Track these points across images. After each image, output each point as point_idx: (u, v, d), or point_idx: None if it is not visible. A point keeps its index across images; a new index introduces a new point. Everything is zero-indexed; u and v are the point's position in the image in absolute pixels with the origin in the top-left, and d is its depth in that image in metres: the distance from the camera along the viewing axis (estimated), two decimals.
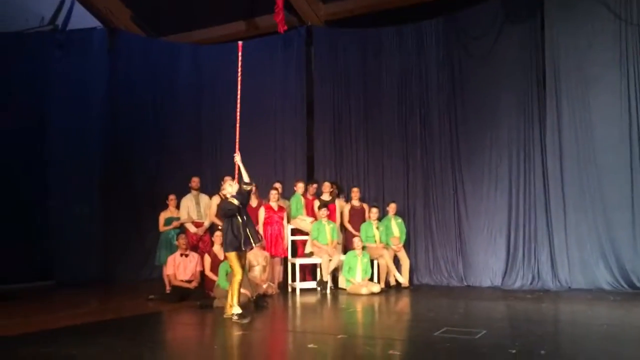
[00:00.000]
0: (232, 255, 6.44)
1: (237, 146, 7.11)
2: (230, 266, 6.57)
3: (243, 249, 6.47)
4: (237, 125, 7.34)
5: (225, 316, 6.31)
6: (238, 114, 7.40)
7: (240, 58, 7.50)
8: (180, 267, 8.27)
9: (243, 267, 6.59)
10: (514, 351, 4.65)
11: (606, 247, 8.43)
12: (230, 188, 6.65)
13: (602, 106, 8.61)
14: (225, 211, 6.48)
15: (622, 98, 8.47)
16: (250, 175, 6.76)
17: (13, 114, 10.03)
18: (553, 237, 8.77)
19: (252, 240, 6.47)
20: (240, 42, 7.71)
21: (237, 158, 6.81)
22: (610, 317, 6.52)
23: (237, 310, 6.26)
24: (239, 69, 7.46)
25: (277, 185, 9.66)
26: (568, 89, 8.83)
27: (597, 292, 8.20)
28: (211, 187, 9.86)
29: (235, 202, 6.49)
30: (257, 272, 8.33)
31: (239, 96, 7.47)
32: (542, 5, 9.03)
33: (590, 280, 8.48)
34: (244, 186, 6.68)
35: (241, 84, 11.17)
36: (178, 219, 9.11)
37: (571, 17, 8.85)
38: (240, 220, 6.44)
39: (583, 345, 5.15)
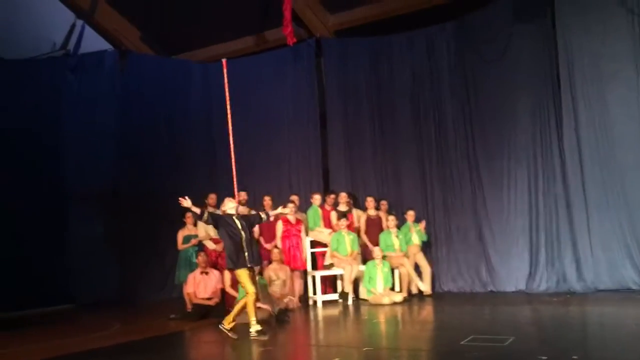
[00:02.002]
0: (242, 273, 6.32)
1: (233, 166, 7.17)
2: (241, 284, 6.44)
3: (248, 265, 6.34)
4: (231, 145, 7.47)
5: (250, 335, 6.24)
6: (231, 134, 7.52)
7: (225, 76, 7.57)
8: (201, 285, 8.23)
9: (255, 284, 6.42)
10: (545, 357, 4.54)
11: (632, 245, 8.25)
12: (230, 204, 6.64)
13: (619, 102, 8.47)
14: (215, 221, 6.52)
15: (639, 93, 8.33)
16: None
17: (29, 139, 10.13)
18: (576, 238, 8.61)
19: (253, 259, 6.40)
20: (224, 60, 7.73)
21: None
22: (639, 317, 6.36)
23: (256, 327, 6.17)
24: (226, 88, 7.55)
25: (294, 197, 9.62)
26: (583, 87, 8.71)
27: (625, 293, 8.04)
28: None
29: (232, 212, 6.55)
30: (277, 286, 8.28)
31: (229, 115, 7.58)
32: (552, 3, 8.94)
33: (616, 280, 8.30)
34: (263, 215, 6.87)
35: (253, 98, 11.30)
36: (196, 236, 9.06)
37: (582, 13, 8.74)
38: (243, 236, 6.37)
39: (614, 348, 5.03)
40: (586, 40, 8.69)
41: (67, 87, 10.74)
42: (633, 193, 8.29)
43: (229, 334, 6.20)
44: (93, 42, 11.24)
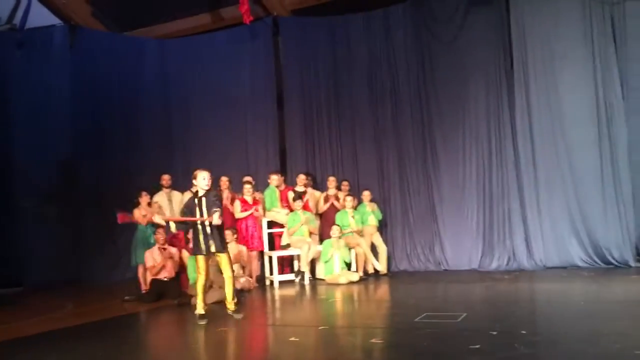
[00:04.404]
0: (199, 258, 6.08)
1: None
2: (197, 266, 6.19)
3: (204, 253, 6.05)
4: None
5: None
6: None
7: None
8: (159, 261, 8.09)
9: (208, 270, 6.14)
10: (495, 332, 4.67)
11: (578, 224, 8.54)
12: (203, 182, 6.11)
13: (570, 83, 8.69)
14: (184, 210, 6.12)
15: (588, 74, 8.56)
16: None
17: None
18: (527, 217, 8.85)
19: (214, 247, 6.04)
20: None
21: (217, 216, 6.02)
22: (586, 294, 6.61)
23: (199, 311, 6.02)
24: None
25: (248, 178, 9.55)
26: (535, 69, 8.90)
27: (572, 270, 8.34)
28: (183, 183, 9.67)
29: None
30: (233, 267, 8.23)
31: None
32: None
33: (564, 258, 8.60)
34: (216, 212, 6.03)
35: (210, 77, 11.08)
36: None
37: None
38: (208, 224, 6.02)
39: (562, 323, 5.19)
40: (538, 21, 8.87)
41: (14, 63, 10.35)
42: (581, 172, 8.56)
43: (200, 321, 5.93)
44: (41, 17, 10.81)
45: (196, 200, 6.11)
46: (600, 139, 8.45)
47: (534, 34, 8.90)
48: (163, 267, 8.04)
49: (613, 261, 8.27)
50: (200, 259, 6.09)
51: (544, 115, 8.82)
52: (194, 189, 6.27)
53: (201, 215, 6.03)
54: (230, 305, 6.15)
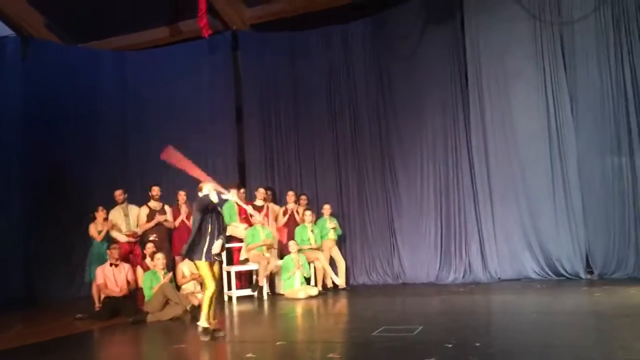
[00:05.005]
0: (203, 265, 5.83)
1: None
2: (202, 277, 5.96)
3: (204, 259, 5.78)
4: None
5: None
6: None
7: None
8: (111, 278, 7.92)
9: (214, 277, 5.85)
10: (450, 345, 4.73)
11: (531, 237, 8.75)
12: (211, 193, 5.88)
13: (522, 102, 8.94)
14: (202, 204, 5.83)
15: (539, 93, 8.80)
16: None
17: None
18: (482, 231, 9.02)
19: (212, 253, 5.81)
20: None
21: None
22: (538, 306, 6.76)
23: (203, 324, 5.74)
24: None
25: None
26: (489, 85, 9.13)
27: (525, 282, 8.52)
28: (140, 198, 9.52)
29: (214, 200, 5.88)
30: (190, 283, 8.12)
31: None
32: (461, 6, 9.31)
33: (518, 270, 8.78)
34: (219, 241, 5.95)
35: (168, 91, 10.95)
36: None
37: (489, 16, 9.17)
38: (216, 230, 5.86)
39: (515, 334, 5.30)
40: (492, 40, 9.11)
41: None
42: (533, 186, 8.78)
43: (202, 336, 5.66)
44: None
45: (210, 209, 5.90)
46: (551, 155, 8.68)
47: (487, 52, 9.14)
48: (115, 285, 7.87)
49: (564, 273, 8.48)
50: (206, 266, 5.81)
51: (498, 133, 9.04)
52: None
53: (213, 226, 5.84)
54: (212, 321, 5.82)
